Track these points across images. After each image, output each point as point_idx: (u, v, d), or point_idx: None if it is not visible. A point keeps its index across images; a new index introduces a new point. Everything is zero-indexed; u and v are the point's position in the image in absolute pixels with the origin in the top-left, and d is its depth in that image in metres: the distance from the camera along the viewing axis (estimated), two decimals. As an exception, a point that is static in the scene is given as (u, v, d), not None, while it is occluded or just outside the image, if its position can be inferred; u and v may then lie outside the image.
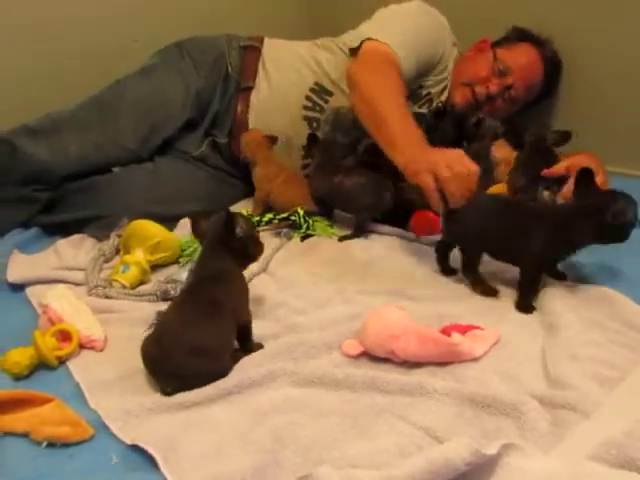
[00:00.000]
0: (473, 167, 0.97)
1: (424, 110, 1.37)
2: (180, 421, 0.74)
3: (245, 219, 0.87)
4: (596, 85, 1.40)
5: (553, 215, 0.95)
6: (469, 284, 0.99)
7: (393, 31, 1.26)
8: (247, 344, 0.85)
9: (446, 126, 1.31)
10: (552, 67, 1.39)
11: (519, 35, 1.39)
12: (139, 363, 0.84)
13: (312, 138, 1.30)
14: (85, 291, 1.05)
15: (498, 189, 1.25)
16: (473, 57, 1.39)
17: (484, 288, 0.97)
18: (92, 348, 0.89)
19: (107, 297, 1.03)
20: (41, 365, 0.85)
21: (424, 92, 1.36)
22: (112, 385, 0.80)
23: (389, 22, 1.30)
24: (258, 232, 0.93)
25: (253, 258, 0.91)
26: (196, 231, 0.89)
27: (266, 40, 1.47)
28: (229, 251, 0.85)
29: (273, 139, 1.33)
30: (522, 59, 1.35)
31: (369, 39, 1.25)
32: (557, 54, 1.39)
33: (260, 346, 0.85)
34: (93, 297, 1.03)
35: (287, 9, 2.00)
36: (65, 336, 0.88)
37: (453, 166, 0.95)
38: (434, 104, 1.38)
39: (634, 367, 0.77)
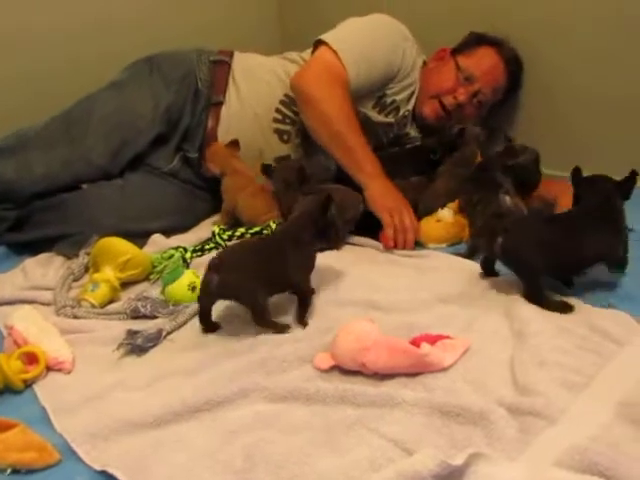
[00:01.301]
0: (416, 224, 1.18)
1: (391, 119, 1.38)
2: (150, 441, 0.73)
3: (339, 208, 0.98)
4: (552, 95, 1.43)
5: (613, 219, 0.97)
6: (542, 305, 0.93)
7: (348, 40, 1.30)
8: (302, 314, 0.94)
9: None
10: (514, 65, 1.42)
11: (477, 39, 1.42)
12: (108, 383, 0.83)
13: (266, 169, 1.30)
14: (53, 311, 1.03)
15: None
16: (436, 68, 1.42)
17: (558, 305, 0.93)
18: (60, 370, 0.87)
19: (76, 317, 1.01)
20: (6, 389, 0.83)
21: (389, 100, 1.38)
22: (79, 407, 0.79)
23: (346, 31, 1.34)
24: (345, 229, 1.06)
25: (331, 244, 1.00)
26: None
27: (236, 54, 1.47)
28: (314, 228, 0.96)
29: (235, 144, 1.33)
30: (484, 63, 1.38)
31: (323, 43, 1.30)
32: (516, 51, 1.42)
33: (305, 324, 0.93)
34: (61, 317, 1.01)
35: (258, 24, 2.01)
36: (31, 358, 0.86)
37: (406, 218, 1.16)
38: (401, 112, 1.39)
39: (599, 372, 0.78)
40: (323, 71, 1.27)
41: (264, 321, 0.92)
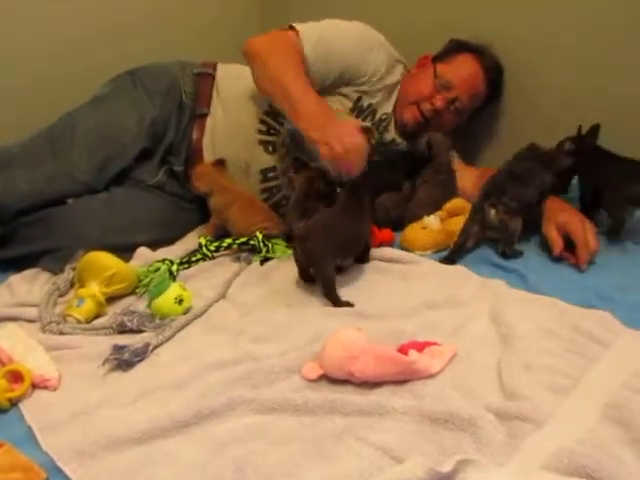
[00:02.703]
0: (360, 141, 1.13)
1: (367, 123, 1.39)
2: (137, 457, 0.72)
3: None
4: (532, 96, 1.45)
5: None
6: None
7: (313, 27, 1.34)
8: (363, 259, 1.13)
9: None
10: (494, 73, 1.43)
11: (457, 47, 1.43)
12: (95, 399, 0.83)
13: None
14: (39, 328, 1.02)
15: (458, 202, 1.28)
16: (416, 75, 1.44)
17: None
18: (45, 387, 0.86)
19: (61, 333, 1.00)
20: (-9, 408, 0.82)
21: (366, 104, 1.39)
22: (65, 425, 0.78)
23: (317, 22, 1.36)
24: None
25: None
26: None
27: (219, 66, 1.48)
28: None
29: (221, 162, 1.33)
30: (463, 71, 1.39)
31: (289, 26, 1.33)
32: (497, 59, 1.44)
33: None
34: (47, 334, 1.00)
35: (241, 35, 2.01)
36: (16, 377, 0.85)
37: (344, 140, 1.11)
38: (377, 115, 1.40)
39: (585, 374, 0.79)
40: (277, 37, 1.31)
41: (331, 295, 1.03)
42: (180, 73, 1.45)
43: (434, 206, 1.26)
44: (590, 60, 1.35)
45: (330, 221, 1.08)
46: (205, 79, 1.44)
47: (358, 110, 1.38)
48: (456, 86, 1.38)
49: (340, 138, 1.11)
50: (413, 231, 1.22)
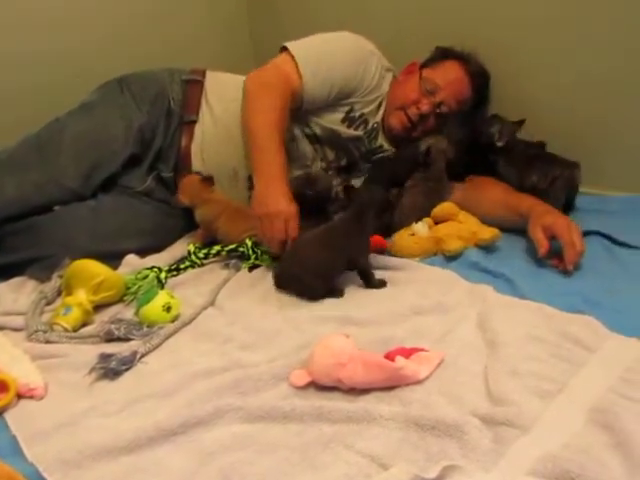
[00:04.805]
0: (290, 214, 1.13)
1: (360, 132, 1.41)
2: (124, 467, 0.72)
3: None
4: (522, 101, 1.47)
5: None
6: None
7: (309, 49, 1.34)
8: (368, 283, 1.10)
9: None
10: (480, 79, 1.45)
11: (443, 54, 1.46)
12: (81, 408, 0.82)
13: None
14: (25, 337, 1.01)
15: (447, 207, 1.29)
16: (403, 81, 1.45)
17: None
18: (31, 397, 0.86)
19: (48, 342, 0.99)
20: (-24, 419, 0.82)
21: (357, 114, 1.40)
22: (51, 435, 0.77)
23: (310, 40, 1.37)
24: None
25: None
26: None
27: (208, 73, 1.48)
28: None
29: (209, 180, 1.32)
30: (448, 75, 1.41)
31: (285, 49, 1.34)
32: (482, 66, 1.46)
33: (383, 283, 1.10)
34: (33, 342, 0.99)
35: (230, 42, 2.03)
36: (1, 386, 0.84)
37: (273, 222, 1.13)
38: (369, 124, 1.41)
39: (571, 379, 0.80)
40: (273, 77, 1.30)
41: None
42: (168, 80, 1.45)
43: (418, 213, 1.27)
44: (581, 81, 1.38)
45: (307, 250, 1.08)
46: (194, 86, 1.45)
47: (349, 121, 1.39)
48: (441, 90, 1.39)
49: (274, 221, 1.13)
50: (401, 238, 1.23)
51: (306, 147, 1.41)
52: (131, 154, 1.36)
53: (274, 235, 1.13)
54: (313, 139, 1.41)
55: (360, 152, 1.44)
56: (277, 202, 1.14)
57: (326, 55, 1.34)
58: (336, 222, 1.14)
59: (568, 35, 1.37)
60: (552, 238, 1.13)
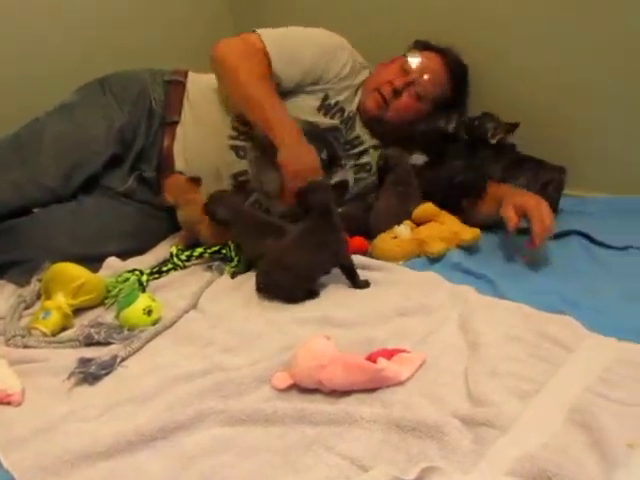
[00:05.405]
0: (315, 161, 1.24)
1: (337, 120, 1.41)
2: (103, 473, 0.71)
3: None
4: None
5: None
6: None
7: (277, 32, 1.37)
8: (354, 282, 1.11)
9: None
10: (457, 68, 1.47)
11: (421, 46, 1.48)
12: (60, 413, 0.81)
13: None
14: (3, 341, 1.00)
15: (427, 209, 1.29)
16: (380, 68, 1.47)
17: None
18: (8, 403, 0.84)
19: (26, 346, 0.98)
20: (-49, 426, 0.80)
21: (333, 102, 1.41)
22: (28, 441, 0.76)
23: (279, 30, 1.39)
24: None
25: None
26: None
27: (190, 74, 1.47)
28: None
29: (197, 181, 1.31)
30: (425, 60, 1.43)
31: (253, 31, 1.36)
32: (460, 58, 1.47)
33: (367, 284, 1.10)
34: (11, 347, 0.98)
35: (213, 38, 2.00)
36: (-22, 393, 0.83)
37: (306, 177, 1.18)
38: (345, 113, 1.42)
39: (549, 379, 0.80)
40: (244, 44, 1.33)
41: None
42: (150, 80, 1.44)
43: (395, 217, 1.27)
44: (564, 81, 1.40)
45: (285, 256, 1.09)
46: (176, 87, 1.44)
47: (325, 109, 1.40)
48: (416, 69, 1.41)
49: (300, 157, 1.23)
50: (383, 241, 1.23)
51: None
52: (112, 154, 1.35)
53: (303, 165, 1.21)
54: None
55: (339, 143, 1.43)
56: (314, 159, 1.25)
57: (292, 42, 1.37)
58: (306, 224, 1.11)
59: (550, 40, 1.39)
60: (524, 217, 1.15)
